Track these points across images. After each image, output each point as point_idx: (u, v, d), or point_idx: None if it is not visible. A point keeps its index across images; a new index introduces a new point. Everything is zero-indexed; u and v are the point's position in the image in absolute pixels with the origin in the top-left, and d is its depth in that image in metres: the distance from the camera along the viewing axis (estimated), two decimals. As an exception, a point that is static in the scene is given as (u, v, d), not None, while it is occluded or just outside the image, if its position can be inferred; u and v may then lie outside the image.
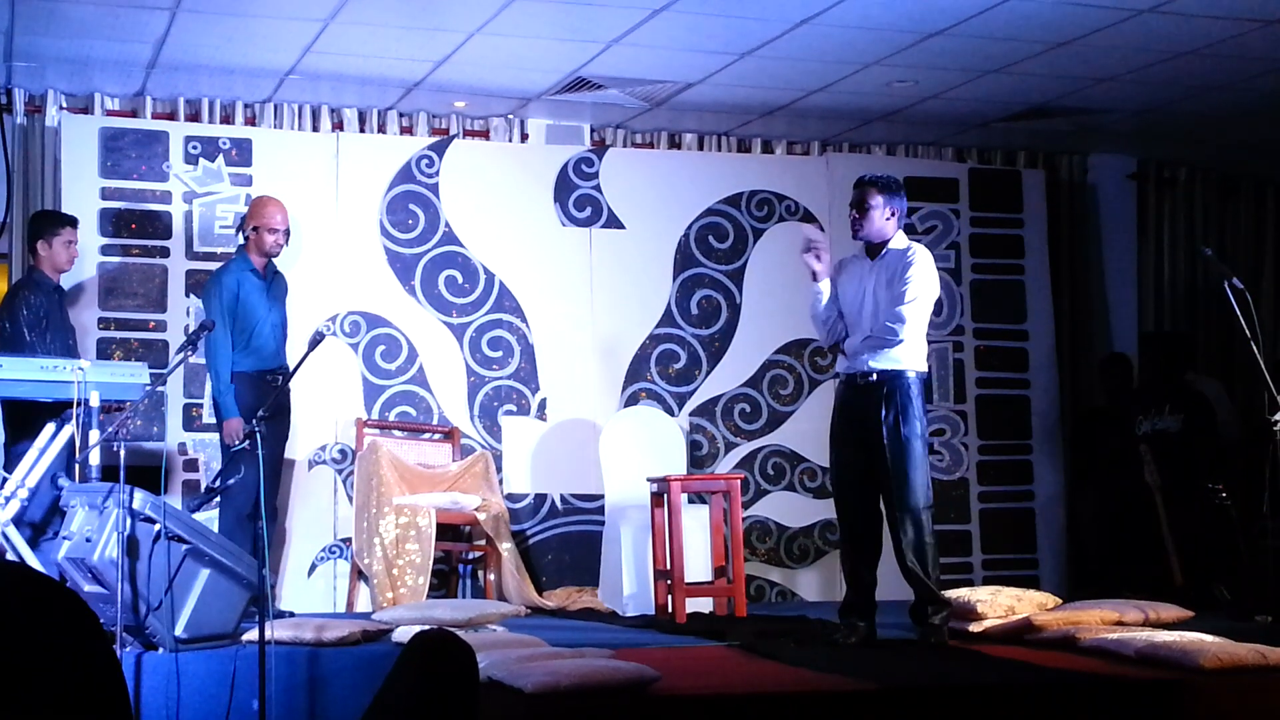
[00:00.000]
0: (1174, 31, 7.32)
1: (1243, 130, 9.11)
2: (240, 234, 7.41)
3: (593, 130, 9.02)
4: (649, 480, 7.49)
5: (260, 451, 5.15)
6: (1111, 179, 9.97)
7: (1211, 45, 7.53)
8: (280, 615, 7.05)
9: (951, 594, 6.35)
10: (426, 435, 8.26)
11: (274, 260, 7.38)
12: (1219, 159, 9.93)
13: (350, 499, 7.92)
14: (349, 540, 7.83)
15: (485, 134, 8.86)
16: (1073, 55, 7.68)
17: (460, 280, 8.44)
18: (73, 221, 7.33)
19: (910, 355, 6.07)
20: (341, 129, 8.53)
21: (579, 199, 8.69)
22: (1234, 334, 8.12)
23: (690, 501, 7.66)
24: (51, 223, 7.28)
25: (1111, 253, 9.95)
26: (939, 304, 7.30)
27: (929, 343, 6.34)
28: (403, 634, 5.67)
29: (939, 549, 6.14)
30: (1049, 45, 7.54)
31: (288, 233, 7.36)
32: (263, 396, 7.06)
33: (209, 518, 7.23)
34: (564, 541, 8.39)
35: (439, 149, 8.51)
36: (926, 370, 6.22)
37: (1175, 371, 8.62)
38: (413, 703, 3.00)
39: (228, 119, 8.32)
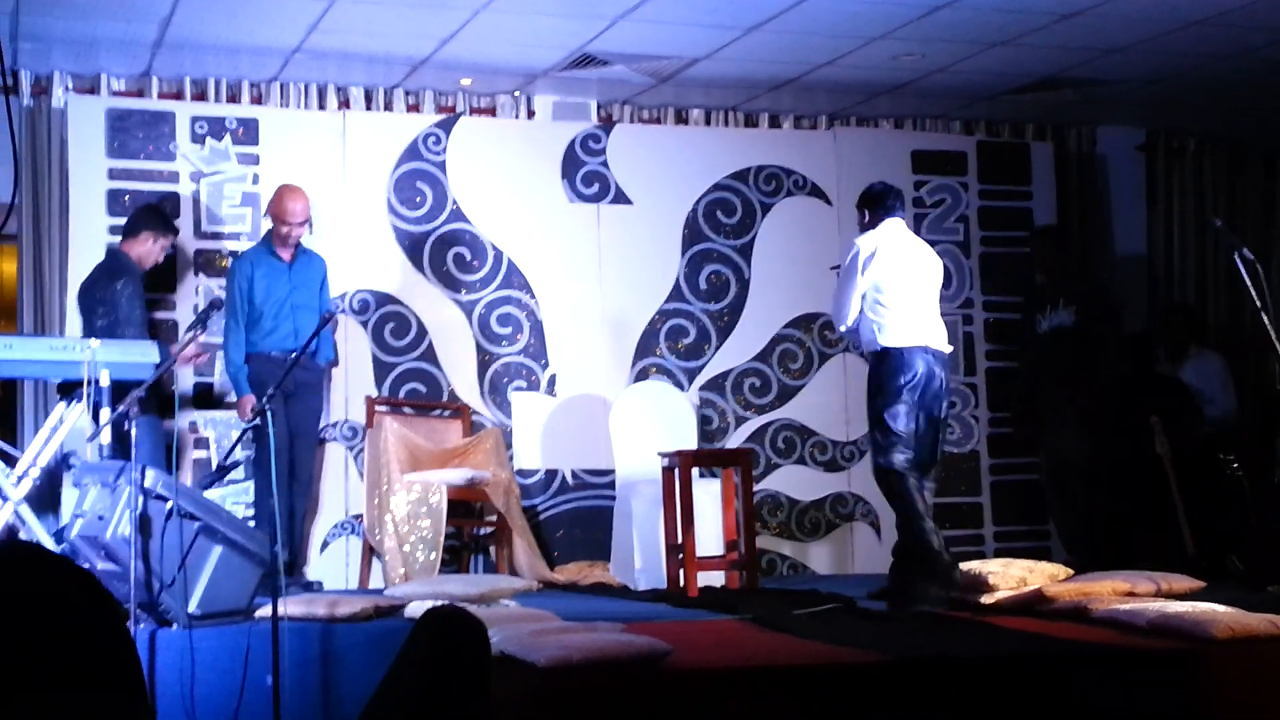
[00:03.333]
0: (1182, 1, 7.28)
1: (1252, 100, 9.07)
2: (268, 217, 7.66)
3: (599, 106, 8.99)
4: (660, 455, 7.49)
5: (272, 428, 5.19)
6: (1120, 150, 9.93)
7: (1220, 15, 7.49)
8: (309, 586, 7.16)
9: (964, 566, 6.40)
10: (437, 412, 8.27)
11: (302, 242, 7.62)
12: (1228, 129, 9.89)
13: (361, 476, 7.93)
14: (360, 517, 7.85)
15: (492, 111, 8.84)
16: (1080, 26, 7.65)
17: (469, 257, 8.44)
18: (177, 233, 7.72)
19: (880, 333, 6.53)
20: (348, 107, 8.51)
21: (586, 175, 8.67)
22: (1244, 304, 8.11)
23: (701, 476, 7.67)
24: (165, 226, 7.57)
25: (1120, 224, 9.93)
26: (947, 275, 7.37)
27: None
28: (415, 609, 5.68)
29: (919, 519, 6.42)
30: (1057, 16, 7.51)
31: (304, 223, 7.56)
32: (280, 375, 7.19)
33: (221, 495, 7.32)
34: (575, 516, 8.40)
35: (446, 126, 8.50)
36: (901, 345, 6.48)
37: (1067, 264, 8.70)
38: (425, 677, 3.01)
39: (234, 98, 8.31)
